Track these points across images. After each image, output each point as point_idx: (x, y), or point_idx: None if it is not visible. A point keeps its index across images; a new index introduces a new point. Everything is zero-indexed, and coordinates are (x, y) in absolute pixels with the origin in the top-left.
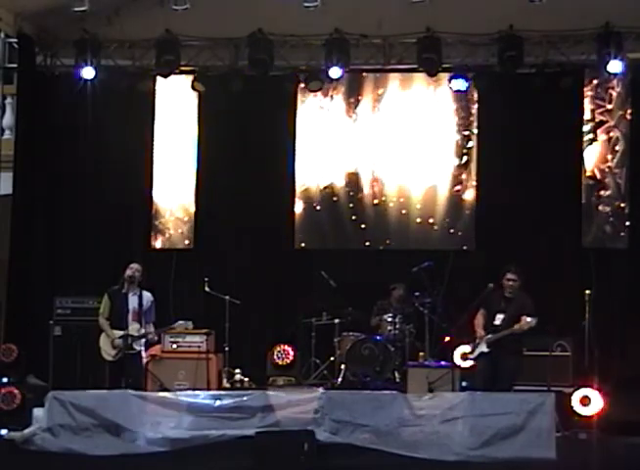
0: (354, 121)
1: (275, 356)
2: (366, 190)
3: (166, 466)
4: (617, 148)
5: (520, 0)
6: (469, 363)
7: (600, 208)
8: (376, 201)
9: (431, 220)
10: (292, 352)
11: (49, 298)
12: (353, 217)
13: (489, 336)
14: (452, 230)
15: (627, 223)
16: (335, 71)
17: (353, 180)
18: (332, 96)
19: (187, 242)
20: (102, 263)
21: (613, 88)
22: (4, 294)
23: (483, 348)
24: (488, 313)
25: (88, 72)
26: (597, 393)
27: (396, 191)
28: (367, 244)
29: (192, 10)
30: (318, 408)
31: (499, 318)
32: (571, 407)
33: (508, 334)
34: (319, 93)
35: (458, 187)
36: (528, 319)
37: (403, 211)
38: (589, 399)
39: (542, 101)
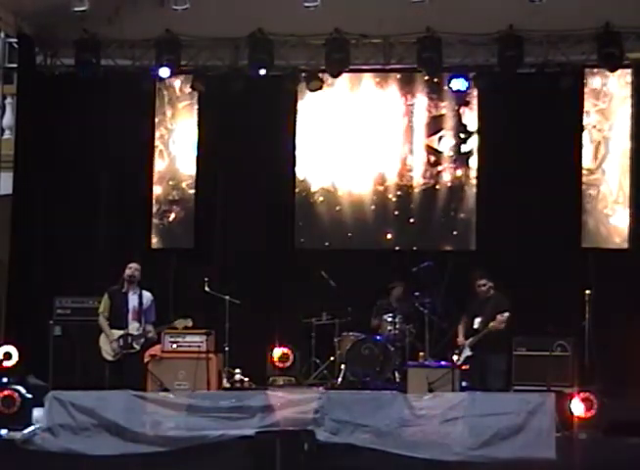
0: (354, 121)
1: (275, 359)
2: (366, 190)
3: (166, 466)
4: (617, 148)
5: (520, 0)
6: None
7: (600, 207)
8: (375, 201)
9: (430, 220)
10: (291, 355)
11: (49, 298)
12: (353, 217)
13: (470, 340)
14: (452, 230)
15: (627, 223)
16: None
17: (353, 180)
18: (332, 96)
19: (187, 242)
20: (102, 263)
21: (612, 88)
22: (4, 294)
23: (467, 352)
24: (468, 319)
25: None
26: (596, 396)
27: (396, 191)
28: (367, 244)
29: (192, 10)
30: (318, 408)
31: (477, 322)
32: (572, 411)
33: (486, 334)
34: (319, 93)
35: (458, 187)
36: (499, 316)
37: (403, 211)
38: (589, 403)
39: (542, 101)
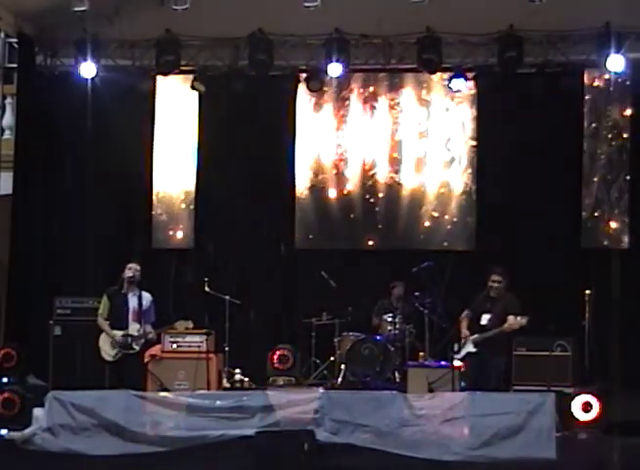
0: (354, 121)
1: (275, 359)
2: (366, 190)
3: (166, 466)
4: (616, 148)
5: (520, 0)
6: (457, 363)
7: (600, 207)
8: (375, 201)
9: (430, 220)
10: (291, 355)
11: (49, 298)
12: (354, 217)
13: (476, 336)
14: (452, 230)
15: (627, 223)
16: (335, 70)
17: (353, 180)
18: (332, 96)
19: (187, 242)
20: (102, 263)
21: (612, 88)
22: (4, 294)
23: (470, 347)
24: (474, 314)
25: (88, 69)
26: (596, 398)
27: (397, 191)
28: (367, 244)
29: (192, 10)
30: (318, 408)
31: (485, 318)
32: (572, 411)
33: (497, 333)
34: (319, 93)
35: (457, 187)
36: (519, 318)
37: (404, 212)
38: (589, 406)
39: (542, 101)
